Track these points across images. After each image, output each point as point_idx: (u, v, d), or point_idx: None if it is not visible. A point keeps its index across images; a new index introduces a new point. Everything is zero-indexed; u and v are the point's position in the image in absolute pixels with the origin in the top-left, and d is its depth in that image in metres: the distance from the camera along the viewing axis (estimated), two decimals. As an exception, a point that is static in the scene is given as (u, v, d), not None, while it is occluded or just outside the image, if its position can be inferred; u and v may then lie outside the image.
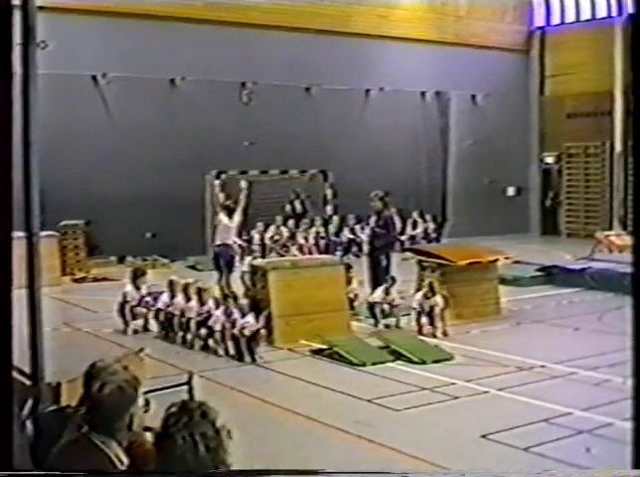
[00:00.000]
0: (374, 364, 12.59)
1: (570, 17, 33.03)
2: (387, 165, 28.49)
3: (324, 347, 13.24)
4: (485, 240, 22.75)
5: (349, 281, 15.86)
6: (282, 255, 22.86)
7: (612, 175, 31.74)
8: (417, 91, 30.43)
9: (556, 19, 33.47)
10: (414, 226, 29.12)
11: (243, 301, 13.91)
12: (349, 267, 16.31)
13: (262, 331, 13.27)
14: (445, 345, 13.69)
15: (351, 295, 15.70)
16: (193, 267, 23.68)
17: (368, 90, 29.23)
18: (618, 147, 31.43)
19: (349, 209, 26.58)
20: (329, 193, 27.60)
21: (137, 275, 15.64)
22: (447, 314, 14.85)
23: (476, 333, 14.41)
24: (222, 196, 25.35)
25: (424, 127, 30.55)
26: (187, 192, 24.23)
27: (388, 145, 29.05)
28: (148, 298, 15.26)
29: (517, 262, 21.48)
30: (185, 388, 6.61)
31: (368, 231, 19.50)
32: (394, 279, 15.79)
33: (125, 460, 3.84)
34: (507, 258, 17.91)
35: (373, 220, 18.50)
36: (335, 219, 27.21)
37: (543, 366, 12.46)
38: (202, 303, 14.08)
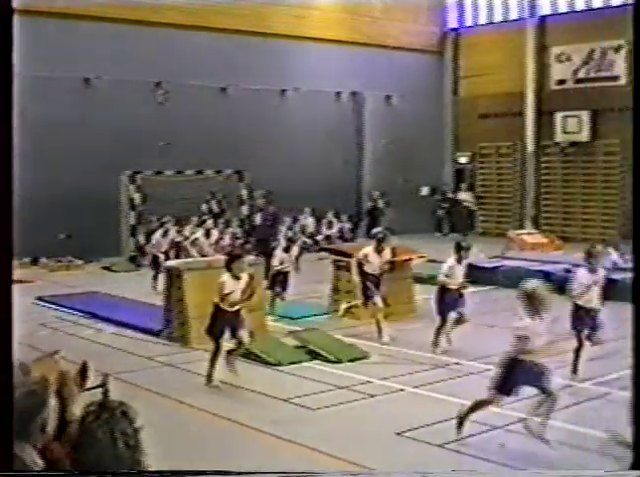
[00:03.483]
0: (290, 363, 12.62)
1: (483, 19, 33.53)
2: (303, 165, 28.57)
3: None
4: (400, 240, 22.91)
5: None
6: (199, 256, 22.73)
7: (524, 175, 32.31)
8: (333, 92, 30.59)
9: (469, 21, 33.95)
10: (330, 225, 29.26)
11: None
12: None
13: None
14: (362, 343, 13.78)
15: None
16: (108, 268, 23.41)
17: (284, 91, 29.28)
18: (530, 147, 32.00)
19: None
20: (244, 193, 27.53)
21: None
22: (369, 313, 14.89)
23: (392, 331, 14.52)
24: (137, 196, 25.14)
25: (340, 127, 30.70)
26: (102, 192, 23.92)
27: (304, 145, 29.12)
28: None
29: (432, 261, 21.70)
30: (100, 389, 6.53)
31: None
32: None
33: (40, 463, 3.79)
34: (421, 257, 18.09)
35: (258, 217, 19.16)
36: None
37: (457, 363, 12.63)
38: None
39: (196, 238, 23.88)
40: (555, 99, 31.32)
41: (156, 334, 14.49)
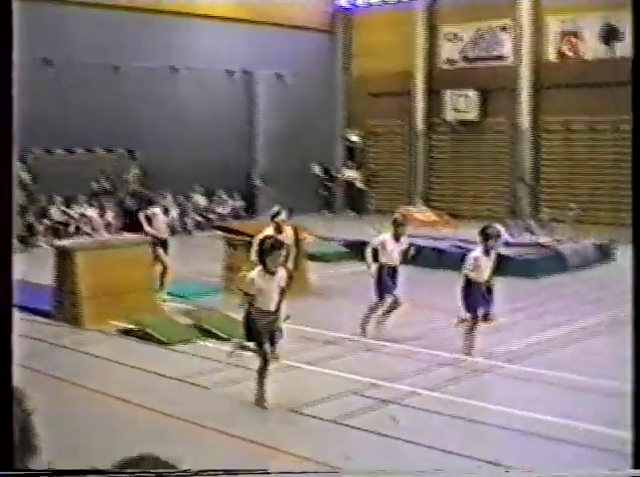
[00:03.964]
0: (182, 342, 12.54)
1: (374, -2, 33.72)
2: (196, 144, 28.38)
3: (133, 327, 13.09)
4: (295, 219, 22.99)
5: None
6: (89, 235, 22.41)
7: (414, 153, 32.71)
8: (226, 70, 30.39)
9: (360, 0, 34.08)
10: (222, 204, 29.18)
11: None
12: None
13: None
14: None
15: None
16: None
17: (176, 69, 28.95)
18: (419, 126, 32.40)
19: (158, 187, 26.30)
20: (136, 172, 27.19)
21: None
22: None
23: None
24: (26, 176, 24.60)
25: (233, 106, 30.55)
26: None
27: (197, 124, 28.92)
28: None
29: (325, 239, 21.87)
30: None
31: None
32: None
33: None
34: (312, 235, 18.19)
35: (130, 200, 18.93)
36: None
37: (350, 339, 12.75)
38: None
39: (85, 216, 23.51)
40: (444, 78, 31.74)
41: (46, 315, 14.22)
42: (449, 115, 31.42)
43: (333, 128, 34.04)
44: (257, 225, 19.10)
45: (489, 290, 11.81)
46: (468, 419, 9.17)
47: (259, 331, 9.64)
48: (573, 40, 29.24)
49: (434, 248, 19.58)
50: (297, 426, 9.15)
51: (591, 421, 8.88)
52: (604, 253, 20.66)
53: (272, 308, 9.70)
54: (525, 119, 29.83)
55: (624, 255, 10.83)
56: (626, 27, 28.14)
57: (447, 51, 32.08)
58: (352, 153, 34.27)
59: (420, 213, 28.98)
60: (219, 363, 11.44)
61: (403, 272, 13.25)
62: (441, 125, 32.12)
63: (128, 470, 3.56)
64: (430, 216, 28.69)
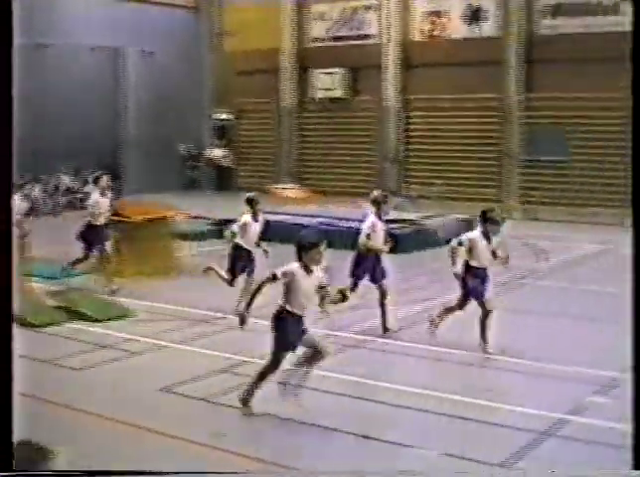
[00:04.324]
0: (50, 324, 12.30)
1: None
2: (61, 122, 27.76)
3: None
4: (165, 197, 22.80)
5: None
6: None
7: (282, 131, 32.75)
8: (93, 46, 29.78)
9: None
10: (85, 183, 28.64)
11: None
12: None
13: None
14: (126, 301, 13.62)
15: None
16: None
17: (42, 45, 28.16)
18: (287, 103, 32.44)
19: (23, 168, 25.62)
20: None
21: None
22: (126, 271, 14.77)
23: (156, 288, 14.45)
24: None
25: (100, 83, 30.00)
26: None
27: (62, 101, 28.25)
28: None
29: (196, 218, 21.73)
30: None
31: None
32: None
33: None
34: (183, 214, 18.05)
35: None
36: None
37: (223, 317, 12.72)
38: None
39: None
40: (313, 57, 31.86)
41: None
42: (318, 93, 31.57)
43: (201, 106, 33.76)
44: (125, 204, 18.88)
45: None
46: (342, 394, 9.26)
47: (290, 340, 8.49)
48: (438, 20, 29.71)
49: (302, 225, 19.72)
50: (169, 406, 9.09)
51: (451, 391, 9.12)
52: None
53: (305, 313, 8.53)
54: (392, 97, 30.19)
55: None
56: (490, 7, 28.79)
57: (316, 29, 32.19)
58: (221, 131, 34.07)
59: (289, 190, 29.07)
60: (87, 344, 11.27)
61: (272, 251, 13.29)
62: (310, 103, 32.24)
63: (128, 470, 3.49)
64: (299, 192, 28.81)
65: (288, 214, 21.51)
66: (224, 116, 33.88)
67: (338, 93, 31.09)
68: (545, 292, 14.96)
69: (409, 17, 30.17)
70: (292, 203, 26.03)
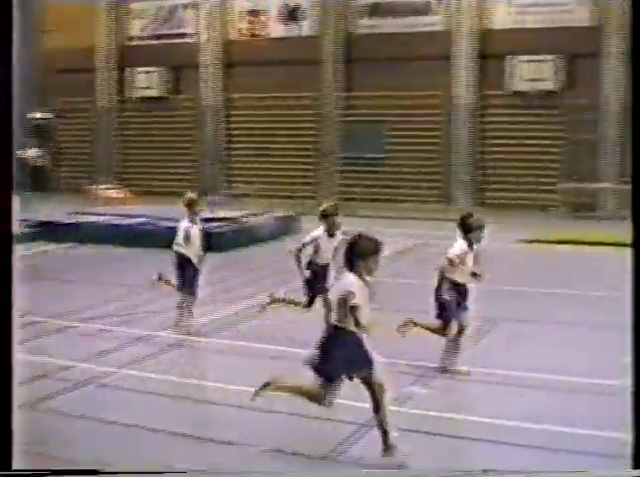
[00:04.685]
0: None
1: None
2: None
3: None
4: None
5: None
6: None
7: (101, 131, 32.14)
8: None
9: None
10: None
11: None
12: None
13: None
14: None
15: None
16: None
17: None
18: (104, 102, 31.83)
19: None
20: None
21: None
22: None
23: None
24: None
25: None
26: None
27: None
28: None
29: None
30: None
31: None
32: None
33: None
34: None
35: None
36: None
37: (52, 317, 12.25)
38: None
39: None
40: (131, 55, 31.39)
41: None
42: (136, 92, 31.14)
43: (19, 106, 32.62)
44: None
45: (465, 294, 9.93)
46: (162, 394, 9.13)
47: (358, 365, 7.01)
48: (257, 19, 29.82)
49: (118, 225, 19.43)
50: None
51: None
52: (289, 225, 21.36)
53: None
54: (211, 96, 30.10)
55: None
56: (307, 6, 29.09)
57: (135, 28, 31.72)
58: (37, 131, 33.08)
59: (108, 190, 28.52)
60: None
61: (84, 252, 12.99)
62: (129, 102, 31.75)
63: (128, 470, 3.28)
64: (118, 193, 28.29)
65: (107, 214, 21.10)
66: (39, 116, 32.92)
67: (156, 92, 30.75)
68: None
69: (228, 16, 30.14)
70: (111, 203, 25.56)
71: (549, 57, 26.69)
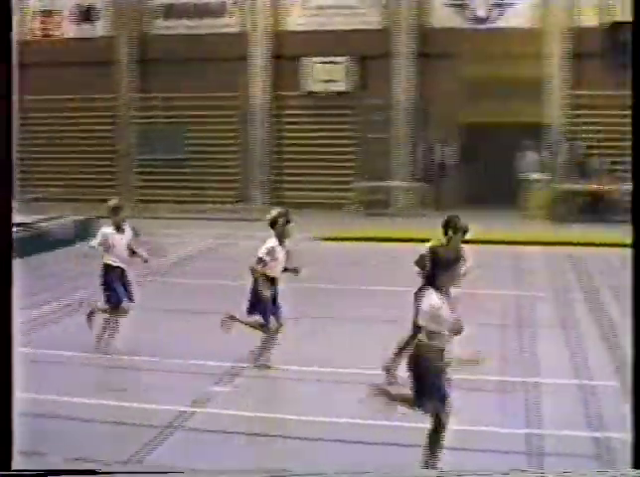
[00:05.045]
0: None
1: None
2: None
3: None
4: None
5: None
6: None
7: None
8: None
9: None
10: None
11: None
12: None
13: None
14: None
15: None
16: None
17: None
18: None
19: None
20: None
21: None
22: None
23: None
24: None
25: None
26: None
27: None
28: None
29: None
30: None
31: None
32: None
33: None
34: None
35: None
36: None
37: None
38: None
39: None
40: None
41: None
42: None
43: None
44: None
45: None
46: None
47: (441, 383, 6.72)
48: (50, 19, 29.16)
49: None
50: None
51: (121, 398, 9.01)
52: (87, 229, 21.00)
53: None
54: (15, 99, 29.19)
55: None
56: (101, 6, 28.66)
57: None
58: None
59: None
60: None
61: None
62: None
63: (128, 470, 3.19)
64: None
65: None
66: None
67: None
68: (168, 288, 15.16)
69: (23, 16, 29.32)
70: None
71: (341, 58, 27.38)
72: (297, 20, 28.34)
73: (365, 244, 20.23)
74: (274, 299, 10.10)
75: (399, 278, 15.02)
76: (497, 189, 24.47)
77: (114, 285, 10.87)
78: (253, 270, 9.99)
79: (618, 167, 25.41)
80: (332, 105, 27.63)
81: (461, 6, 27.35)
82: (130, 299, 10.97)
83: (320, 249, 19.78)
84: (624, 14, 26.28)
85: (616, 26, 26.21)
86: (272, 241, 10.06)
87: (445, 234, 9.42)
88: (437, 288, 6.56)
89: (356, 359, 10.08)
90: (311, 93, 27.80)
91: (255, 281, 9.98)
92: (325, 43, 27.11)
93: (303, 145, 27.80)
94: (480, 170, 25.74)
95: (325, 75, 27.50)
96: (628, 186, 21.94)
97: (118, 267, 10.96)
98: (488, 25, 27.24)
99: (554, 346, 11.17)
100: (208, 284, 15.16)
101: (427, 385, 6.61)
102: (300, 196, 27.32)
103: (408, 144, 27.27)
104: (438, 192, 26.32)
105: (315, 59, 27.46)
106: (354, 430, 7.88)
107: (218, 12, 28.36)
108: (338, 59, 27.39)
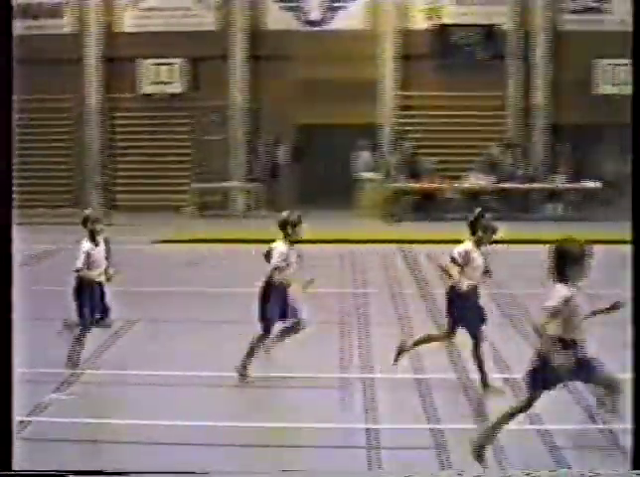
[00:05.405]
0: None
1: None
2: None
3: None
4: None
5: None
6: None
7: None
8: None
9: None
10: None
11: None
12: None
13: None
14: None
15: None
16: None
17: None
18: None
19: None
20: None
21: None
22: None
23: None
24: None
25: None
26: None
27: None
28: None
29: None
30: None
31: None
32: None
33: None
34: None
35: None
36: None
37: None
38: None
39: None
40: None
41: None
42: None
43: None
44: None
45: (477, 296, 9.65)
46: None
47: (560, 374, 6.83)
48: None
49: None
50: None
51: None
52: None
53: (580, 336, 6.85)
54: None
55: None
56: None
57: None
58: None
59: None
60: None
61: None
62: None
63: (128, 470, 3.06)
64: None
65: None
66: None
67: None
68: None
69: None
70: None
71: (176, 60, 27.26)
72: (131, 21, 28.03)
73: (202, 246, 20.22)
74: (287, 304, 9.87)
75: (236, 279, 15.24)
76: (332, 189, 24.91)
77: (91, 300, 10.10)
78: (271, 277, 9.71)
79: (447, 166, 26.30)
80: (167, 107, 27.48)
81: (295, 8, 27.67)
82: (106, 314, 10.23)
83: (156, 252, 19.67)
84: (452, 16, 27.26)
85: (444, 28, 27.09)
86: (281, 246, 9.74)
87: (473, 234, 9.41)
88: (568, 283, 6.67)
89: (191, 360, 10.16)
90: (146, 95, 27.57)
91: (268, 287, 9.74)
92: (159, 44, 26.92)
93: (139, 147, 27.54)
94: (315, 170, 26.12)
95: (160, 76, 27.33)
96: (458, 184, 22.60)
97: (98, 282, 10.20)
98: (321, 27, 27.65)
99: (388, 341, 11.48)
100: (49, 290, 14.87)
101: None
102: (136, 198, 27.05)
103: (245, 145, 27.40)
104: (273, 192, 26.55)
105: (149, 60, 27.24)
106: (188, 432, 7.96)
107: (54, 13, 27.77)
108: (173, 60, 27.26)
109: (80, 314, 10.03)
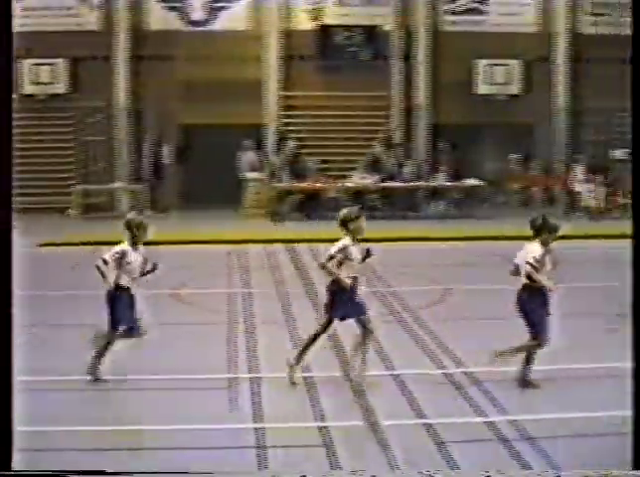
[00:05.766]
0: None
1: None
2: None
3: None
4: None
5: None
6: None
7: None
8: None
9: None
10: None
11: None
12: None
13: None
14: None
15: None
16: None
17: None
18: None
19: None
20: None
21: None
22: None
23: None
24: None
25: None
26: None
27: None
28: None
29: None
30: None
31: None
32: None
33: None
34: None
35: None
36: None
37: None
38: None
39: None
40: None
41: None
42: None
43: None
44: None
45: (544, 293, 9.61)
46: None
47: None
48: None
49: None
50: None
51: None
52: None
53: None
54: None
55: None
56: None
57: None
58: None
59: None
60: None
61: None
62: None
63: (128, 470, 3.08)
64: None
65: None
66: None
67: None
68: None
69: None
70: None
71: (59, 60, 26.84)
72: (17, 21, 27.43)
73: (88, 248, 19.98)
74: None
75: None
76: (217, 189, 24.92)
77: (123, 309, 9.86)
78: (328, 270, 9.62)
79: (331, 166, 26.62)
80: (49, 108, 27.06)
81: (178, 9, 27.58)
82: (135, 324, 9.94)
83: (40, 255, 19.40)
84: (334, 17, 27.60)
85: (327, 29, 27.41)
86: (345, 240, 9.67)
87: (538, 235, 9.56)
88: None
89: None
90: (27, 96, 27.04)
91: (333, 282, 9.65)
92: (41, 45, 26.42)
93: (20, 149, 26.89)
94: (200, 170, 26.08)
95: (41, 77, 26.87)
96: (342, 184, 22.84)
97: (129, 288, 9.98)
98: (205, 27, 27.63)
99: (275, 340, 11.64)
100: None
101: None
102: (19, 201, 26.44)
103: (129, 146, 27.20)
104: (157, 193, 26.41)
105: (30, 60, 26.73)
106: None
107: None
108: (54, 60, 26.84)
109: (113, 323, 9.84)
